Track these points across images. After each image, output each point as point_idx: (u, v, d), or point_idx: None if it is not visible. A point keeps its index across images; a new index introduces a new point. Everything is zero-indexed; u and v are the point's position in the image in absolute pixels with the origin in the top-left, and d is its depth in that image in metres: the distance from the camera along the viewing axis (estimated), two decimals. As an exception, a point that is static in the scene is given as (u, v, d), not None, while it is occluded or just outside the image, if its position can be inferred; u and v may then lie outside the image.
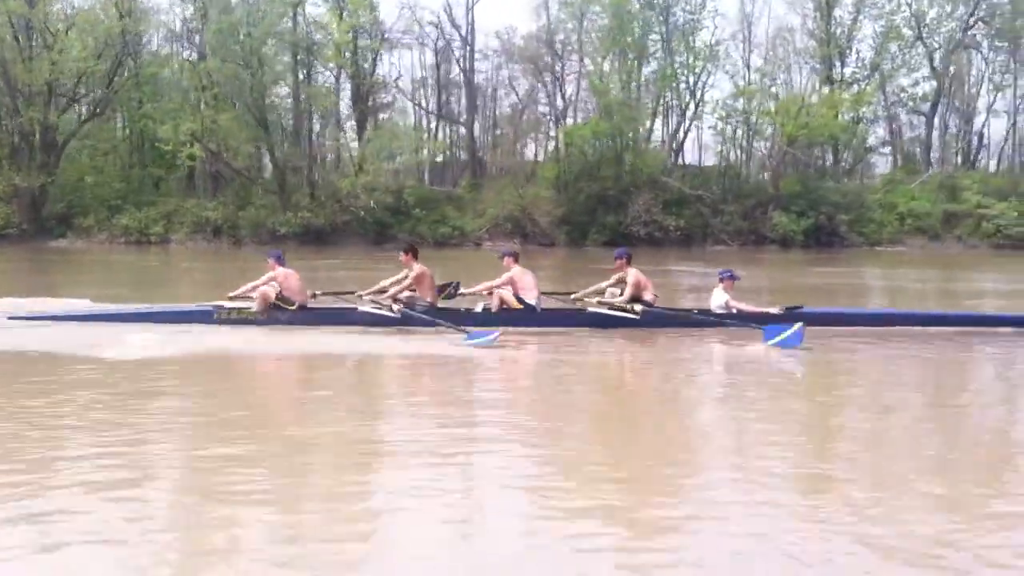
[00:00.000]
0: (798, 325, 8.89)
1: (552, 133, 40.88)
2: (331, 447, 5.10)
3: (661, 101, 40.06)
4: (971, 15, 43.63)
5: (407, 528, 3.79)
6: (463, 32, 43.13)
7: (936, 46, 43.91)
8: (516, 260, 10.20)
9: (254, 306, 9.84)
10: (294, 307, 9.85)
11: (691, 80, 40.32)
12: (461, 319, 9.56)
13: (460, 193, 41.11)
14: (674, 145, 40.56)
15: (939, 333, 9.96)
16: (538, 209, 38.40)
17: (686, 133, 40.62)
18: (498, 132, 44.32)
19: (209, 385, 7.04)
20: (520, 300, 9.85)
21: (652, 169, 37.66)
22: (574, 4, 39.41)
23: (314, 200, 37.28)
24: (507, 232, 38.61)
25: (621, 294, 10.05)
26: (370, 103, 40.09)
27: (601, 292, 10.28)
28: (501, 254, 10.39)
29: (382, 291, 9.91)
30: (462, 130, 44.34)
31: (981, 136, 44.09)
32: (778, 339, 8.91)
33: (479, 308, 10.09)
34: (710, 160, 43.28)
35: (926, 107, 44.23)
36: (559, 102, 40.26)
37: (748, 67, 42.32)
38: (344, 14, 38.15)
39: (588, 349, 9.03)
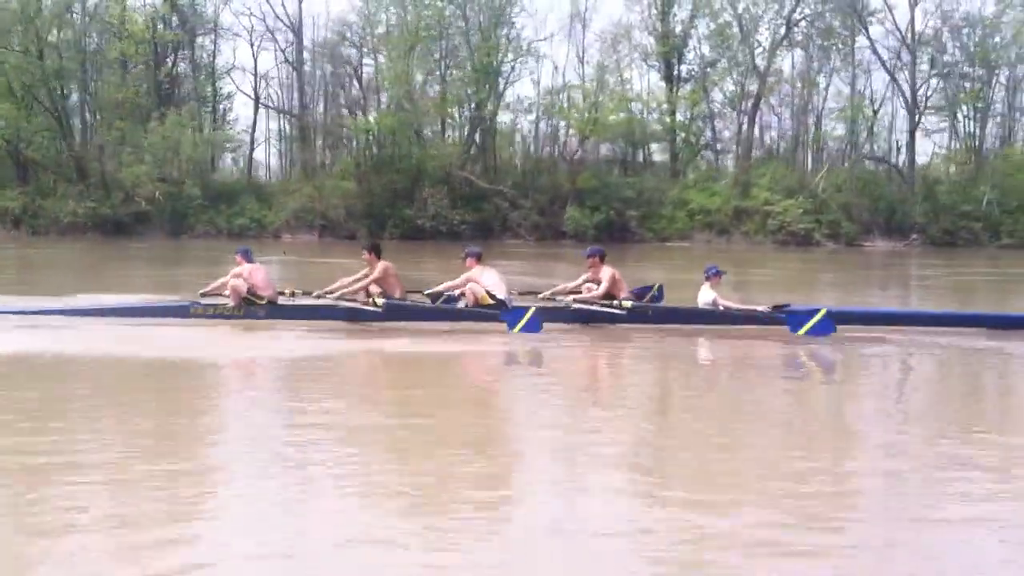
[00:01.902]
0: (823, 311, 9.01)
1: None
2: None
3: (465, 95, 40.09)
4: (792, 13, 44.12)
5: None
6: (290, 23, 42.86)
7: (758, 45, 44.51)
8: (478, 260, 10.08)
9: (230, 301, 9.83)
10: (263, 301, 9.86)
11: (501, 74, 40.48)
12: (442, 314, 9.77)
13: (270, 184, 41.27)
14: (476, 139, 40.67)
15: (940, 332, 9.89)
16: (338, 202, 38.54)
17: (487, 128, 40.70)
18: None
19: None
20: (491, 296, 9.74)
21: (438, 163, 37.77)
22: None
23: (105, 191, 37.09)
24: (307, 225, 38.75)
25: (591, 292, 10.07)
26: (175, 93, 39.84)
27: (573, 291, 10.26)
28: (465, 254, 10.25)
29: (340, 289, 9.85)
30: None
31: (795, 136, 44.63)
32: (807, 327, 8.99)
33: (461, 304, 9.98)
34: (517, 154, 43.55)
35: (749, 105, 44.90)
36: (355, 94, 40.14)
37: (583, 62, 42.98)
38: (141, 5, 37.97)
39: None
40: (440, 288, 10.13)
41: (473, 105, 39.77)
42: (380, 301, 9.49)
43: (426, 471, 4.64)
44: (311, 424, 5.68)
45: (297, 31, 42.36)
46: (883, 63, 40.49)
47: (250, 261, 10.14)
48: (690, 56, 45.52)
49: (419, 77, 39.03)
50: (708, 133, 46.13)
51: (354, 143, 39.82)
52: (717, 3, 43.58)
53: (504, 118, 41.68)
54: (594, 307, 9.79)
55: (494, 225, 38.79)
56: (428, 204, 37.22)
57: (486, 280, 9.88)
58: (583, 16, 43.48)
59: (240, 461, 4.84)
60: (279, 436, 5.39)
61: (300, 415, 6.00)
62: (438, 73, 40.17)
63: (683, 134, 44.73)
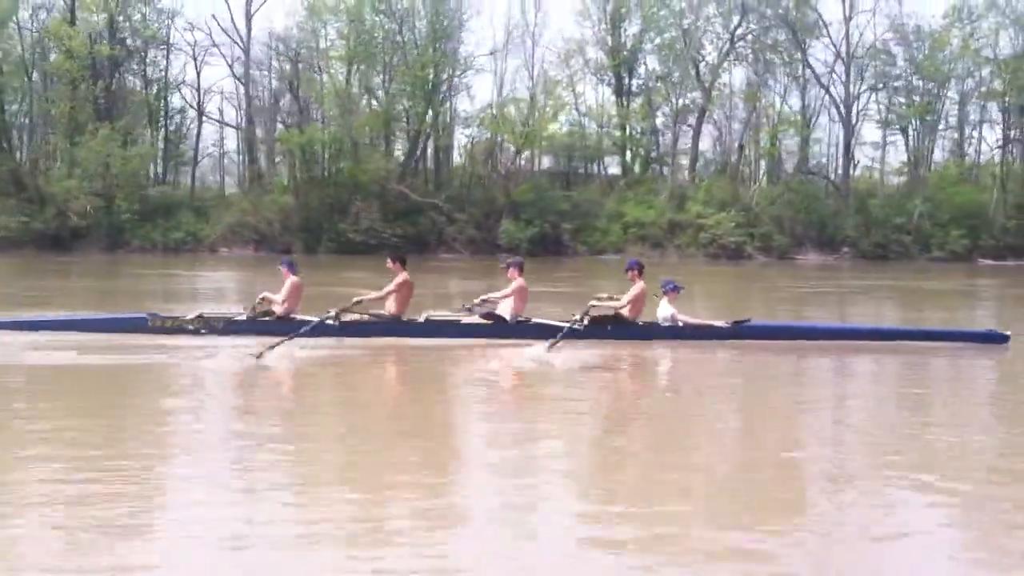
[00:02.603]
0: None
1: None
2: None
3: (404, 109, 40.33)
4: (736, 29, 44.37)
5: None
6: (239, 38, 42.96)
7: (702, 60, 44.76)
8: (520, 271, 9.97)
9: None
10: (273, 317, 9.68)
11: (439, 89, 40.71)
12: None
13: (211, 198, 41.45)
14: (415, 153, 40.88)
15: (887, 348, 9.87)
16: (273, 216, 38.72)
17: (426, 142, 40.95)
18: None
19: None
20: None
21: (373, 177, 37.97)
22: (319, 11, 39.67)
23: (40, 205, 37.23)
24: (244, 239, 38.91)
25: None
26: (116, 108, 39.98)
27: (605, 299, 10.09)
28: (506, 264, 10.16)
29: (365, 300, 9.68)
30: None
31: (742, 148, 44.78)
32: None
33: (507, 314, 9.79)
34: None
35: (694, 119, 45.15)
36: (294, 108, 40.37)
37: (533, 77, 43.25)
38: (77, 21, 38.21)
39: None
40: (491, 295, 10.07)
41: (411, 119, 39.98)
42: (332, 312, 9.35)
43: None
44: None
45: (245, 45, 42.64)
46: (817, 78, 40.80)
47: (295, 274, 9.92)
48: (641, 71, 46.05)
49: (357, 91, 39.22)
50: (655, 146, 46.51)
51: (291, 157, 39.91)
52: (663, 19, 43.99)
53: (445, 132, 41.79)
54: (552, 323, 9.61)
55: (430, 239, 38.95)
56: (360, 218, 37.41)
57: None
58: (532, 31, 43.97)
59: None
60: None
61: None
62: (378, 88, 40.39)
63: (632, 147, 45.09)
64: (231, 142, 47.50)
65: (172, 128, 45.38)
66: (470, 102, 44.11)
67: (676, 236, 38.53)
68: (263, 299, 9.89)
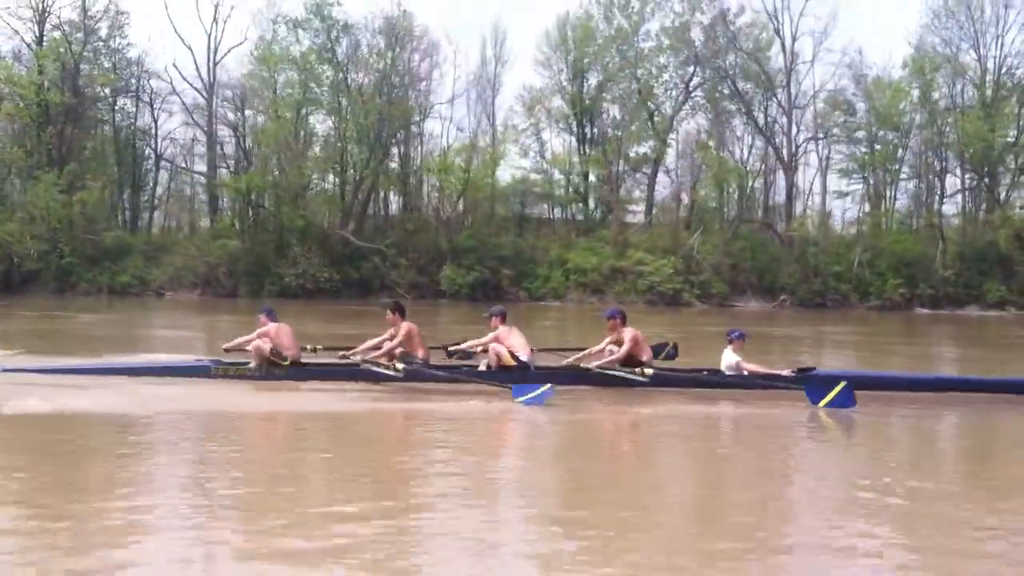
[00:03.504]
0: (843, 384, 8.76)
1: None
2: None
3: (348, 155, 40.94)
4: (690, 80, 44.91)
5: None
6: (203, 85, 43.74)
7: (656, 110, 45.25)
8: (503, 320, 10.15)
9: (251, 362, 10.03)
10: (287, 363, 10.02)
11: (381, 138, 41.22)
12: (459, 377, 9.79)
13: (160, 242, 42.10)
14: (359, 197, 41.40)
15: (955, 399, 9.71)
16: (218, 260, 39.21)
17: (371, 188, 41.53)
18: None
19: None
20: (514, 357, 9.78)
21: (315, 222, 38.49)
22: (268, 60, 40.52)
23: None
24: (189, 283, 39.37)
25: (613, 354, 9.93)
26: (67, 153, 40.68)
27: (596, 355, 10.08)
28: (489, 314, 10.34)
29: (375, 348, 9.99)
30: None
31: (682, 197, 44.96)
32: (826, 401, 8.75)
33: (482, 366, 10.00)
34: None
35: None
36: (235, 153, 41.14)
37: (493, 123, 43.93)
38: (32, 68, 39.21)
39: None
40: (464, 345, 10.35)
41: (356, 166, 40.60)
42: (400, 365, 9.61)
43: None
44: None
45: (208, 94, 43.43)
46: (759, 128, 41.26)
47: (274, 320, 10.33)
48: (602, 119, 46.56)
49: (300, 137, 39.94)
50: (613, 194, 46.90)
51: (236, 202, 40.55)
52: (621, 69, 44.63)
53: (390, 177, 42.41)
54: (615, 372, 9.65)
55: (373, 283, 39.32)
56: (301, 263, 37.84)
57: (512, 341, 9.95)
58: (492, 80, 44.76)
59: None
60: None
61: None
62: (322, 134, 41.16)
63: (590, 195, 45.55)
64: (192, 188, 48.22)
65: (138, 174, 46.13)
66: (422, 149, 44.86)
67: (616, 283, 38.74)
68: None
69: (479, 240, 39.90)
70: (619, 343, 9.92)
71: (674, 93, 45.38)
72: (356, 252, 39.41)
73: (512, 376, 9.45)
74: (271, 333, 10.12)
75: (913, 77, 39.89)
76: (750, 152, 43.28)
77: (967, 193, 40.11)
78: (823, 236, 39.68)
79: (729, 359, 9.89)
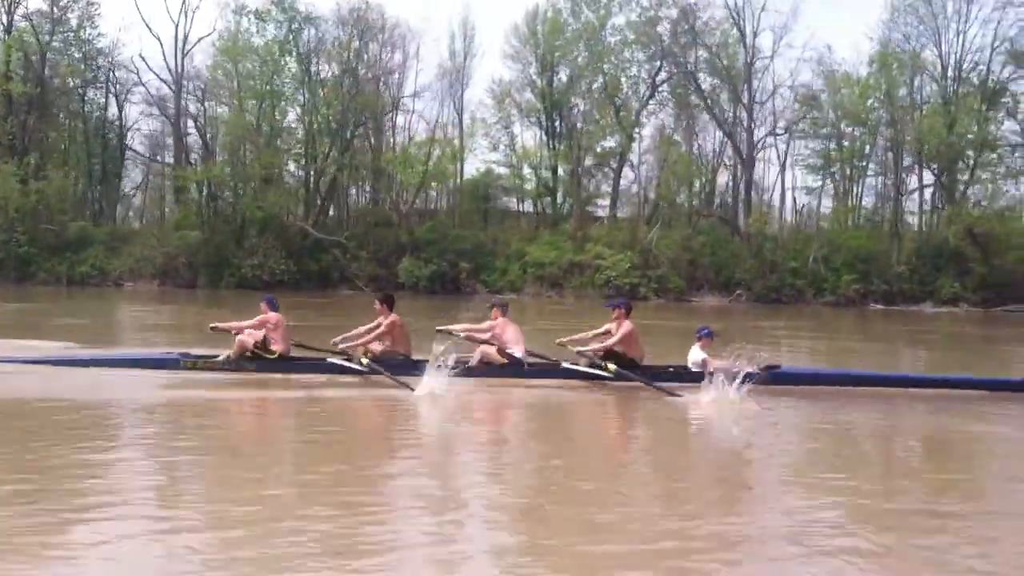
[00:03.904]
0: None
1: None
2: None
3: (310, 147, 41.07)
4: (656, 75, 44.92)
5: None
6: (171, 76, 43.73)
7: (621, 103, 45.29)
8: (504, 312, 10.19)
9: (221, 355, 9.91)
10: (275, 355, 9.87)
11: (345, 129, 41.33)
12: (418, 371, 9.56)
13: (123, 232, 42.27)
14: (320, 189, 41.56)
15: (912, 395, 9.93)
16: (178, 251, 39.38)
17: (332, 180, 41.64)
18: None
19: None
20: (506, 354, 9.82)
21: (275, 214, 38.63)
22: (231, 51, 40.59)
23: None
24: (149, 274, 39.53)
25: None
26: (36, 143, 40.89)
27: (589, 340, 10.12)
28: (491, 304, 10.47)
29: (357, 337, 9.99)
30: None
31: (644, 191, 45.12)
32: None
33: (473, 360, 9.89)
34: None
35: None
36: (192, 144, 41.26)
37: (461, 117, 44.03)
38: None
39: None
40: (458, 328, 10.32)
41: (317, 158, 40.74)
42: (364, 360, 9.59)
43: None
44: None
45: (176, 85, 43.50)
46: (719, 123, 41.35)
47: (275, 310, 10.12)
48: (571, 113, 46.61)
49: (263, 129, 40.04)
50: (580, 188, 47.02)
51: (196, 193, 40.69)
52: (588, 63, 44.67)
53: (352, 170, 42.51)
54: (581, 368, 9.78)
55: (333, 275, 39.52)
56: (260, 254, 38.01)
57: (508, 335, 9.98)
58: (461, 73, 44.78)
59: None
60: None
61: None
62: (283, 126, 41.22)
63: (558, 189, 45.61)
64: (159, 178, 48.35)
65: (107, 166, 46.25)
66: (394, 141, 44.90)
67: (574, 277, 38.90)
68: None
69: (440, 233, 40.07)
70: (609, 333, 10.04)
71: (641, 88, 45.54)
72: (316, 244, 39.59)
73: (493, 372, 9.71)
74: (270, 321, 9.98)
75: (876, 74, 39.87)
76: (717, 148, 43.37)
77: (924, 190, 40.17)
78: (781, 232, 39.73)
79: (696, 356, 9.97)
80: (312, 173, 40.82)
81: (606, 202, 46.59)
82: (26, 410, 7.92)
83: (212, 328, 10.14)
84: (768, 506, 5.45)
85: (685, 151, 42.20)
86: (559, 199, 46.07)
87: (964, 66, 39.80)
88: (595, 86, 45.11)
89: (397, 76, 43.39)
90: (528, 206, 47.74)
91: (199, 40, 42.88)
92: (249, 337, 9.82)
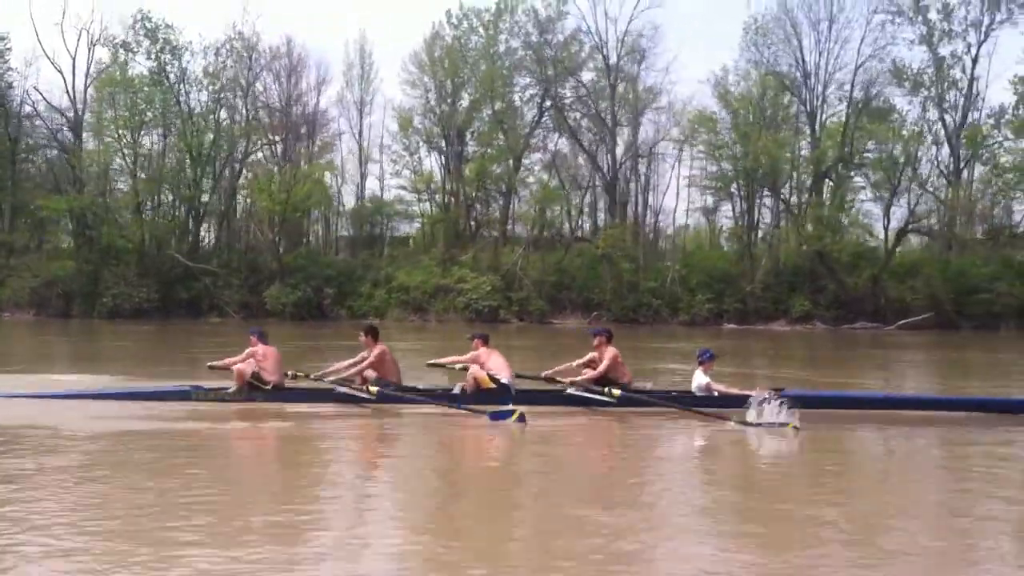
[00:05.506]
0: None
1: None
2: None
3: (181, 176, 41.77)
4: (544, 99, 45.32)
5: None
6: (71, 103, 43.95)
7: (508, 128, 45.76)
8: (485, 343, 10.31)
9: (231, 386, 10.04)
10: (268, 387, 10.03)
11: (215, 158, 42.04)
12: (441, 398, 9.90)
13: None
14: (190, 218, 42.24)
15: (932, 418, 9.87)
16: (53, 280, 39.97)
17: (202, 209, 42.38)
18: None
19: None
20: (494, 379, 9.93)
21: (130, 243, 39.39)
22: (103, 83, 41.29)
23: None
24: (36, 303, 40.02)
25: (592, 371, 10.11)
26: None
27: (574, 370, 10.25)
28: (471, 336, 10.55)
29: (347, 369, 10.13)
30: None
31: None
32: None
33: (456, 389, 10.14)
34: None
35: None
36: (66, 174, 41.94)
37: (361, 146, 44.79)
38: None
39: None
40: (444, 360, 10.64)
41: (188, 186, 41.45)
42: (374, 388, 9.79)
43: None
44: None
45: (77, 114, 43.82)
46: (583, 147, 42.09)
47: (264, 343, 10.28)
48: (467, 138, 47.16)
49: (129, 159, 40.81)
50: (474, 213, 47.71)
51: (69, 223, 41.39)
52: (483, 90, 45.21)
53: (223, 198, 43.22)
54: (584, 393, 9.83)
55: (203, 303, 40.13)
56: (124, 283, 38.68)
57: (492, 363, 10.09)
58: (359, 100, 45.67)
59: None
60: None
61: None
62: (149, 155, 41.98)
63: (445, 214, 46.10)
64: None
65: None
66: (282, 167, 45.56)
67: (439, 300, 39.55)
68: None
69: (310, 260, 40.74)
70: (595, 362, 10.16)
71: (529, 116, 46.04)
72: (188, 272, 40.22)
73: (482, 398, 9.70)
74: (258, 354, 10.13)
75: (732, 95, 40.61)
76: (587, 171, 44.02)
77: (773, 211, 40.85)
78: (641, 253, 40.38)
79: (699, 380, 9.83)
80: (180, 202, 41.48)
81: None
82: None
83: (210, 367, 10.34)
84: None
85: (548, 178, 42.91)
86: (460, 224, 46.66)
87: (822, 88, 40.48)
88: (486, 113, 45.74)
89: (281, 103, 44.20)
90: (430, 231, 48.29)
91: (99, 74, 42.20)
92: (247, 367, 10.03)
